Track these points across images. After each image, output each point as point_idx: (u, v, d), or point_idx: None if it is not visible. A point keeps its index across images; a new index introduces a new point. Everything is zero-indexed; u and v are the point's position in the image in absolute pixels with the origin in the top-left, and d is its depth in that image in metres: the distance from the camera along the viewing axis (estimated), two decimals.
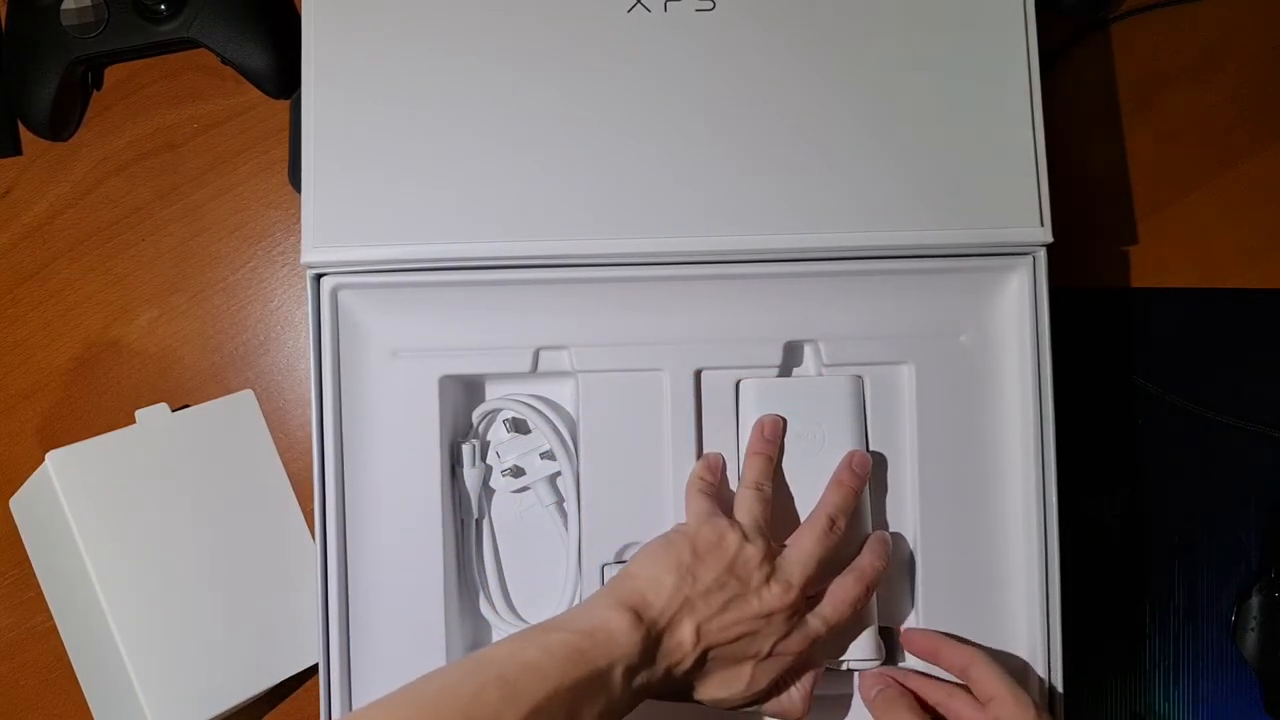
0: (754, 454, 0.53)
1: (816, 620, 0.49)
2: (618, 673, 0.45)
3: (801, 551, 0.50)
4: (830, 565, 0.51)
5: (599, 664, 0.44)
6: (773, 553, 0.49)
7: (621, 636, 0.45)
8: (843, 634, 0.53)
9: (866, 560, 0.51)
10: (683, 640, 0.47)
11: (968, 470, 0.54)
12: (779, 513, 0.53)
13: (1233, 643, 0.61)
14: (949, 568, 0.54)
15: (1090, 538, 0.61)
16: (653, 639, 0.46)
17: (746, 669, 0.48)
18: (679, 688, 0.48)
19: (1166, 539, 0.62)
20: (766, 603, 0.48)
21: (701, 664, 0.47)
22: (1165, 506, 0.62)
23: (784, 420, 0.54)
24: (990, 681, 0.49)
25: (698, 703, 0.49)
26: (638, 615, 0.46)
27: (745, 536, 0.49)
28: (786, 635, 0.48)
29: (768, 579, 0.48)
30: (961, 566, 0.54)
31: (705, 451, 0.54)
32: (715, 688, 0.48)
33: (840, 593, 0.50)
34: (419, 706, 0.42)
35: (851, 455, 0.53)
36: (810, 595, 0.50)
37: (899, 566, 0.55)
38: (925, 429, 0.54)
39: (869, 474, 0.54)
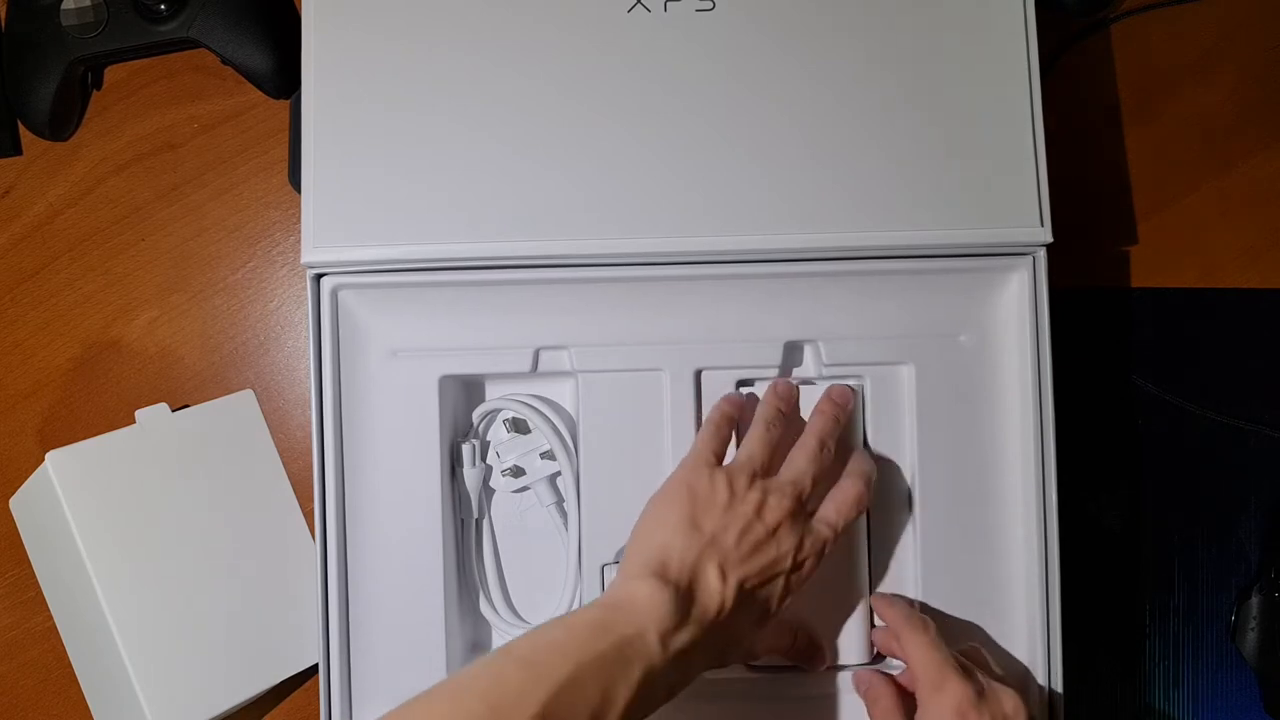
0: (766, 402, 0.53)
1: (823, 525, 0.50)
2: (651, 638, 0.44)
3: (794, 468, 0.50)
4: (824, 487, 0.51)
5: (626, 632, 0.43)
6: (763, 475, 0.50)
7: (644, 601, 0.44)
8: (837, 637, 0.53)
9: (855, 464, 0.52)
10: (711, 584, 0.46)
11: (968, 470, 0.54)
12: None
13: (1232, 643, 0.61)
14: (949, 567, 0.54)
15: (1090, 538, 0.61)
16: (683, 594, 0.45)
17: (779, 587, 0.48)
18: (725, 639, 0.47)
19: (1166, 539, 0.62)
20: (768, 519, 0.48)
21: (739, 603, 0.47)
22: (1165, 506, 0.62)
23: (798, 389, 0.54)
24: (914, 665, 0.49)
25: (746, 655, 0.49)
26: (660, 577, 0.45)
27: (731, 472, 0.49)
28: (800, 544, 0.48)
29: (764, 498, 0.48)
30: (961, 566, 0.54)
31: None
32: (755, 618, 0.48)
33: (840, 494, 0.51)
34: (446, 705, 0.41)
35: (830, 388, 0.54)
36: (811, 511, 0.50)
37: (899, 567, 0.55)
38: (925, 429, 0.54)
39: (850, 402, 0.54)
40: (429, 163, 0.52)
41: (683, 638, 0.45)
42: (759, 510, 0.48)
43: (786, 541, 0.48)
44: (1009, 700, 0.47)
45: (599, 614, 0.44)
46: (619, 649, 0.43)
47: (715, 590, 0.46)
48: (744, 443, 0.51)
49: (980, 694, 0.47)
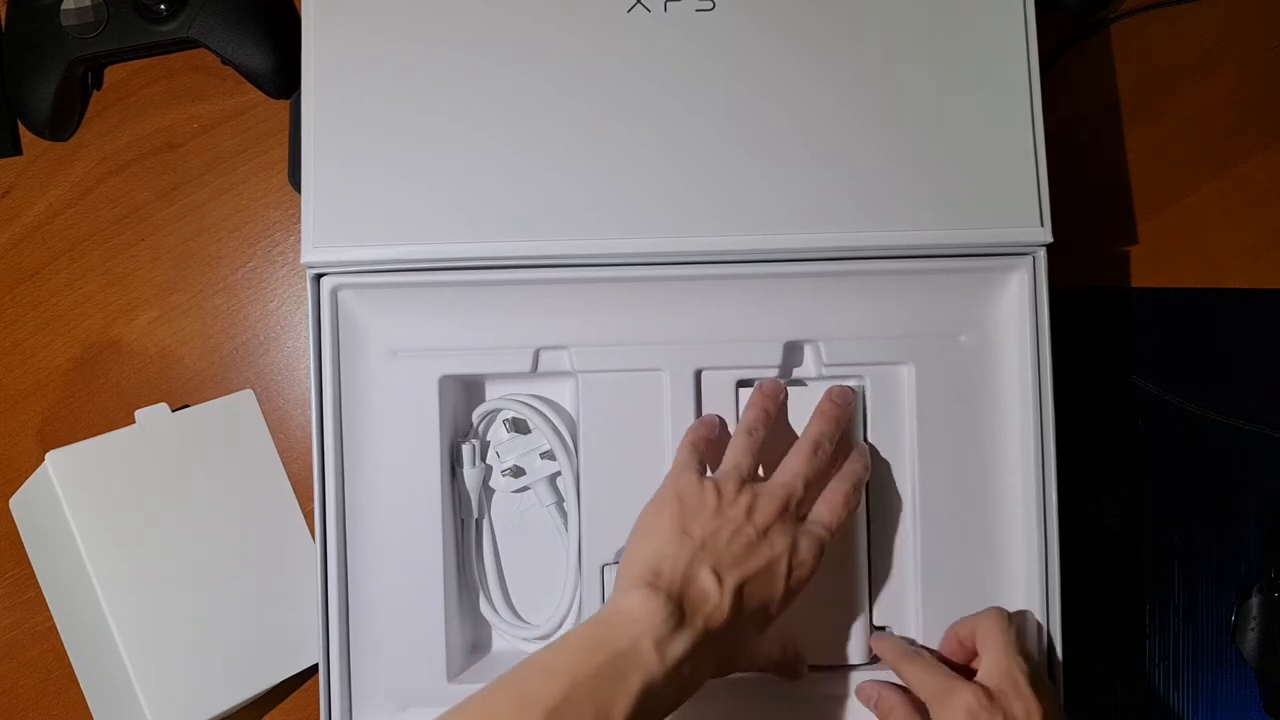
0: (750, 405, 0.53)
1: (816, 526, 0.50)
2: (646, 647, 0.44)
3: (786, 471, 0.51)
4: (819, 488, 0.51)
5: (619, 645, 0.43)
6: (751, 481, 0.50)
7: (638, 611, 0.44)
8: (837, 636, 0.53)
9: (848, 465, 0.53)
10: (706, 587, 0.46)
11: (968, 470, 0.54)
12: None
13: (1233, 643, 0.61)
14: (949, 568, 0.54)
15: (1090, 538, 0.61)
16: (675, 600, 0.45)
17: (778, 589, 0.48)
18: (727, 644, 0.47)
19: (1166, 539, 0.62)
20: (757, 520, 0.48)
21: (738, 606, 0.47)
22: (1165, 506, 0.62)
23: (785, 387, 0.54)
24: (920, 687, 0.50)
25: (749, 663, 0.49)
26: (651, 586, 0.45)
27: (718, 480, 0.49)
28: (795, 546, 0.49)
29: (753, 501, 0.49)
30: (961, 567, 0.54)
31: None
32: (757, 623, 0.48)
33: (831, 495, 0.51)
34: None
35: (830, 389, 0.54)
36: (804, 514, 0.50)
37: (899, 567, 0.55)
38: (925, 429, 0.54)
39: (850, 403, 0.54)
40: (429, 163, 0.52)
41: (680, 644, 0.44)
42: (748, 513, 0.48)
43: (779, 543, 0.48)
44: (1018, 704, 0.47)
45: (592, 630, 0.44)
46: (613, 663, 0.43)
47: (712, 592, 0.46)
48: (728, 451, 0.51)
49: (990, 696, 0.47)
